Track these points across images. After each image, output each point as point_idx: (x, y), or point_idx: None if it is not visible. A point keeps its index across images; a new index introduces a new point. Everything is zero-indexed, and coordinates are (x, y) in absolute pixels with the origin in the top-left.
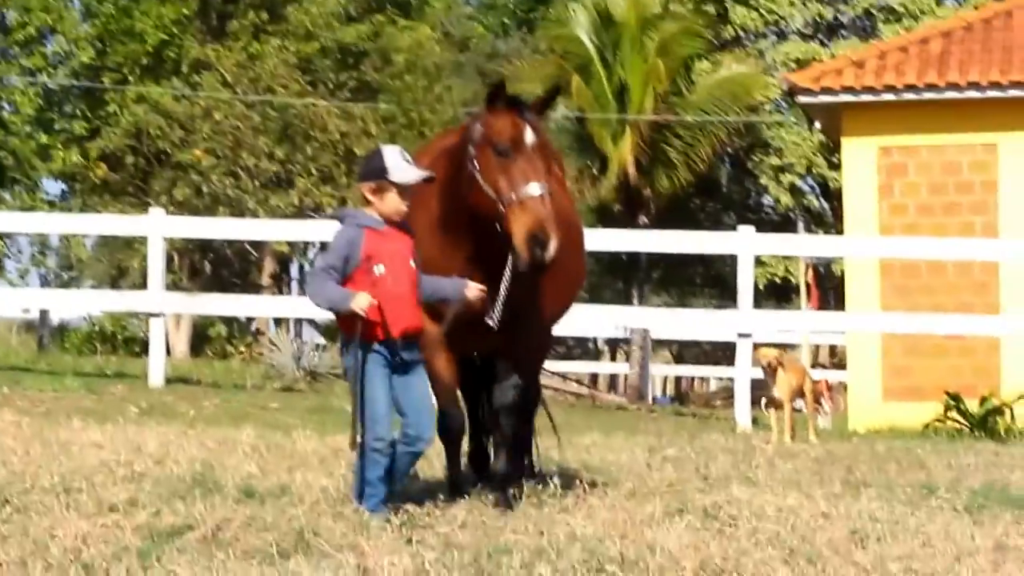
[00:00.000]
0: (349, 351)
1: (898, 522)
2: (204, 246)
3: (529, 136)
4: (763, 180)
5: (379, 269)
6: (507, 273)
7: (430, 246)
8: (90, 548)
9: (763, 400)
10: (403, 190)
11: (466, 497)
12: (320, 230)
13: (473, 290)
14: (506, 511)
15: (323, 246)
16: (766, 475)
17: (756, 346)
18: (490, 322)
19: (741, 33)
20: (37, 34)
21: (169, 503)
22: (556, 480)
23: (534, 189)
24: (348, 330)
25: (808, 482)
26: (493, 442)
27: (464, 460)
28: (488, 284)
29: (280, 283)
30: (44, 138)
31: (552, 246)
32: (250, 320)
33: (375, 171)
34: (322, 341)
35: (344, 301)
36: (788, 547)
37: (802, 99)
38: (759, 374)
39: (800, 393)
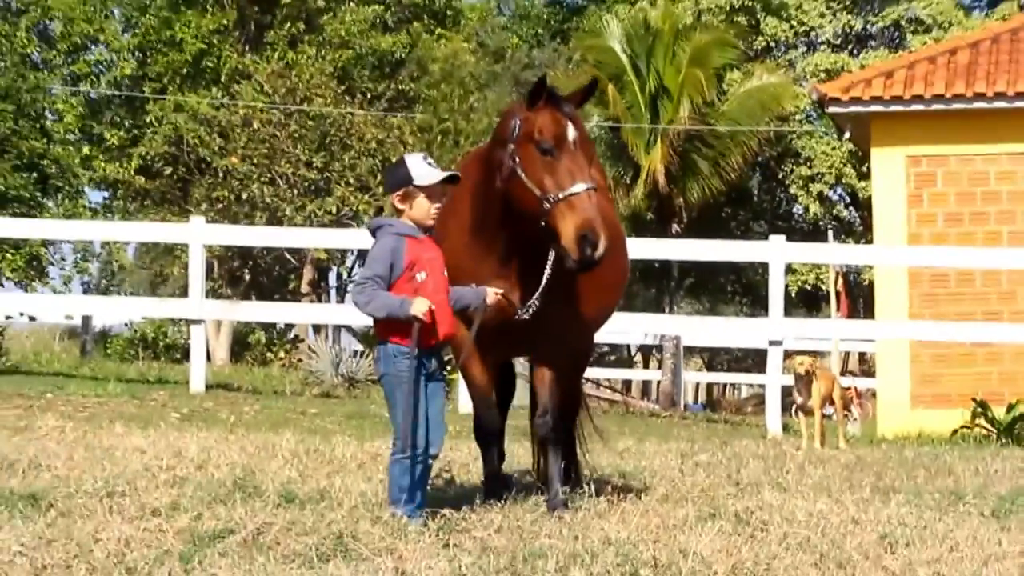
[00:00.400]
0: (390, 358)
1: (927, 527)
2: (244, 253)
3: (572, 132)
4: (793, 189)
5: (421, 276)
6: (548, 270)
7: (461, 250)
8: (133, 551)
9: (793, 407)
10: (431, 194)
11: (502, 500)
12: (357, 238)
13: (492, 296)
14: (562, 515)
15: (362, 255)
16: (796, 481)
17: (789, 354)
18: (525, 316)
19: (772, 44)
20: (80, 44)
21: (210, 507)
22: (591, 485)
23: (580, 187)
24: (391, 337)
25: (838, 488)
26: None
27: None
28: (520, 284)
29: (319, 291)
30: (87, 149)
31: (602, 245)
32: (289, 327)
33: (401, 179)
34: (360, 348)
35: (403, 307)
36: (819, 552)
37: (832, 109)
38: (790, 381)
39: (830, 400)
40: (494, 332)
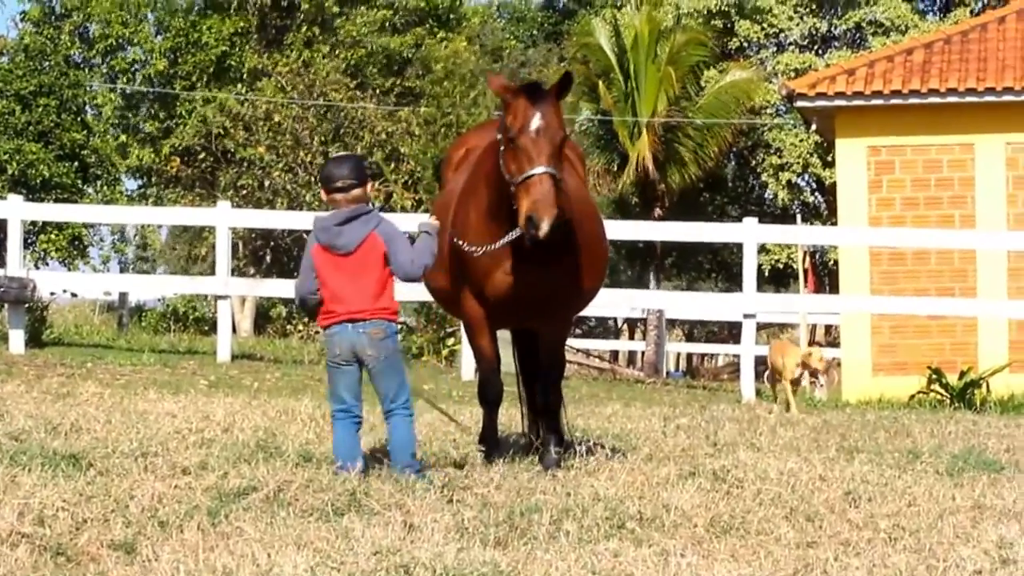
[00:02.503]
0: (394, 336)
1: (887, 484)
2: (266, 235)
3: (536, 121)
4: (764, 177)
5: None
6: (509, 235)
7: (483, 232)
8: (165, 507)
9: (766, 374)
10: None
11: (500, 460)
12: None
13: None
14: (555, 473)
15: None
16: (769, 441)
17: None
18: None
19: (745, 44)
20: (117, 45)
21: (235, 466)
22: (581, 446)
23: (537, 170)
24: (394, 316)
25: (806, 448)
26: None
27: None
28: (536, 258)
29: None
30: (123, 137)
31: (544, 225)
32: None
33: (373, 171)
34: None
35: (435, 230)
36: (789, 506)
37: (799, 104)
38: (762, 351)
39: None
40: (505, 305)
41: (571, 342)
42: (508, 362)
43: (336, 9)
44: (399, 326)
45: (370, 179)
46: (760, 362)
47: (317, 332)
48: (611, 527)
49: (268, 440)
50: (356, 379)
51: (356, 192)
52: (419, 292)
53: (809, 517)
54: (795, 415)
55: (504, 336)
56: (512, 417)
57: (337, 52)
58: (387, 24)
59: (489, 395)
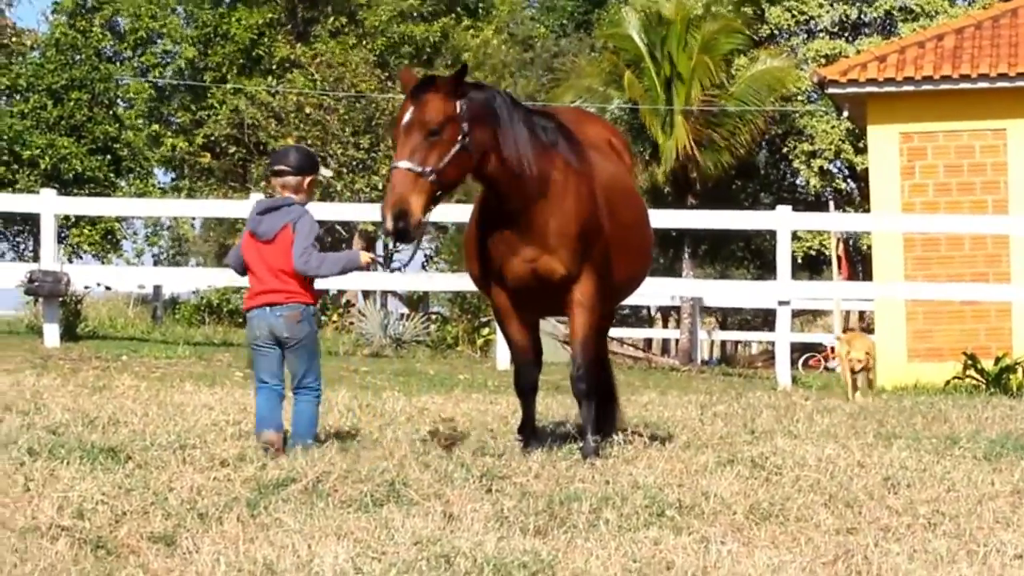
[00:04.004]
0: (311, 318)
1: (926, 470)
2: None
3: (405, 116)
4: (796, 164)
5: None
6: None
7: (473, 225)
8: (204, 499)
9: (801, 360)
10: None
11: (539, 450)
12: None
13: (365, 257)
14: (594, 461)
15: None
16: (806, 428)
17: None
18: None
19: (775, 31)
20: (147, 38)
21: (274, 458)
22: (619, 434)
23: (393, 164)
24: (311, 300)
25: (844, 434)
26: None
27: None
28: (533, 239)
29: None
30: (155, 127)
31: (385, 220)
32: (341, 293)
33: (315, 164)
34: (406, 311)
35: (354, 260)
36: (828, 493)
37: (831, 90)
38: (797, 338)
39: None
40: (529, 293)
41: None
42: (551, 352)
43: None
44: (313, 309)
45: (311, 173)
46: (794, 349)
47: (351, 323)
48: (651, 515)
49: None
50: (276, 360)
51: (289, 180)
52: (453, 282)
53: (848, 503)
54: (857, 403)
55: (547, 326)
56: (549, 407)
57: (364, 43)
58: (413, 13)
59: (522, 384)
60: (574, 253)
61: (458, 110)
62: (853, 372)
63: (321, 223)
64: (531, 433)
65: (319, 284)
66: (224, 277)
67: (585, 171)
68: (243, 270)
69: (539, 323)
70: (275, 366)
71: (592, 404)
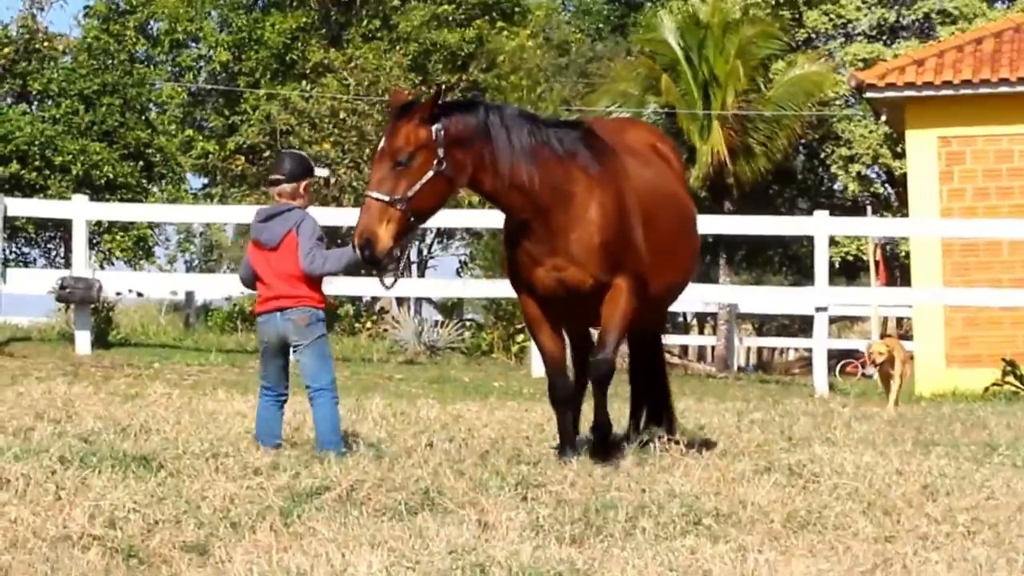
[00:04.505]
0: (321, 322)
1: (964, 477)
2: (332, 232)
3: (381, 144)
4: (834, 169)
5: None
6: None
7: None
8: (237, 507)
9: (838, 367)
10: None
11: (575, 459)
12: (436, 217)
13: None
14: (607, 465)
15: (440, 234)
16: (844, 436)
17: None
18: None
19: (813, 35)
20: (182, 42)
21: (307, 466)
22: (655, 442)
23: (365, 194)
24: (320, 304)
25: (882, 442)
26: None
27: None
28: (556, 247)
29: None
30: (188, 131)
31: (359, 246)
32: (375, 300)
33: (307, 169)
34: (440, 318)
35: (356, 255)
36: (866, 501)
37: (869, 95)
38: (835, 345)
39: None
40: (559, 302)
41: None
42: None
43: (396, 2)
44: (322, 312)
45: (306, 178)
46: (832, 356)
47: (385, 330)
48: (687, 523)
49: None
50: (282, 367)
51: (285, 187)
52: (488, 289)
53: (887, 511)
54: (887, 413)
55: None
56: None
57: (398, 47)
58: (446, 18)
59: (556, 395)
60: (601, 263)
61: (433, 136)
62: (875, 366)
63: (351, 229)
64: (567, 446)
65: (350, 290)
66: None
67: (611, 179)
68: (252, 283)
69: (589, 333)
70: (281, 372)
71: (605, 392)
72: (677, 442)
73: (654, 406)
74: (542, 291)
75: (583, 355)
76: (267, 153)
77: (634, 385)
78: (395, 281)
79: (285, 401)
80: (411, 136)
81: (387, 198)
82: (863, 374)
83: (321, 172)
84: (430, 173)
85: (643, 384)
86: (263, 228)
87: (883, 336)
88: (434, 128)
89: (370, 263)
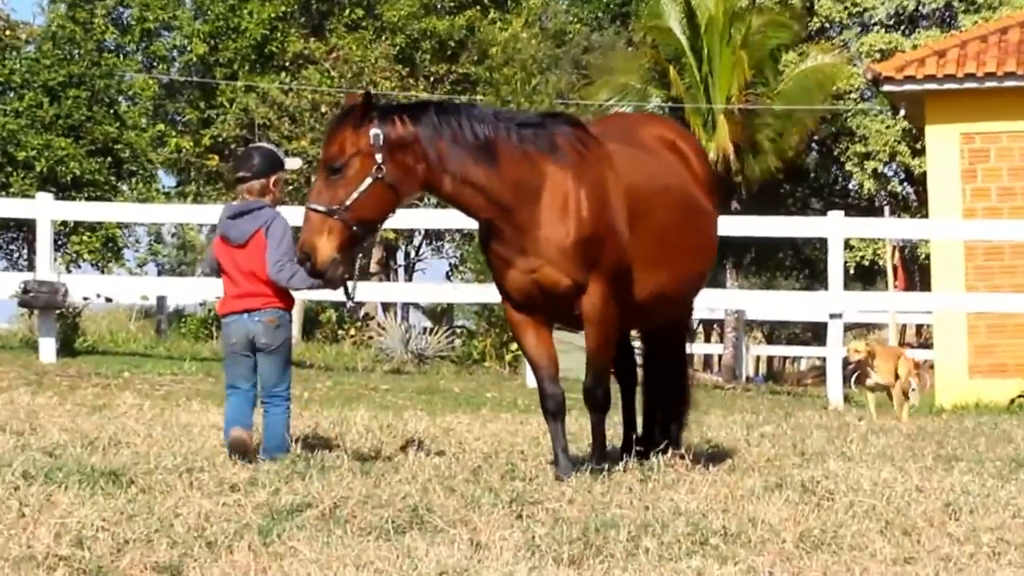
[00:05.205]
0: (288, 325)
1: (989, 495)
2: None
3: (322, 153)
4: (849, 166)
5: None
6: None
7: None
8: (213, 526)
9: (852, 378)
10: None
11: (572, 474)
12: (424, 218)
13: None
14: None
15: (428, 235)
16: (860, 450)
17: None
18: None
19: (826, 25)
20: (154, 31)
21: (287, 482)
22: (659, 456)
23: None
24: (286, 305)
25: (901, 457)
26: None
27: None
28: (525, 247)
29: (388, 269)
30: (160, 126)
31: (299, 259)
32: (359, 305)
33: (277, 163)
34: (428, 324)
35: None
36: (884, 519)
37: (886, 88)
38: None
39: (895, 375)
40: (536, 304)
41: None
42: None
43: None
44: (289, 315)
45: (275, 172)
46: (847, 365)
47: (370, 337)
48: (693, 543)
49: (322, 453)
50: (251, 367)
51: (254, 184)
52: (479, 294)
53: (906, 531)
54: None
55: (579, 340)
56: (584, 427)
57: (383, 37)
58: (435, 6)
59: (546, 405)
60: (575, 260)
61: (371, 141)
62: (849, 364)
63: None
64: (561, 460)
65: (332, 295)
66: None
67: (587, 172)
68: (218, 272)
69: (629, 346)
70: (249, 372)
71: (602, 417)
72: (682, 456)
73: (666, 414)
74: (519, 295)
75: (622, 359)
76: (242, 151)
77: (645, 390)
78: (354, 289)
79: (254, 399)
80: (345, 143)
81: (324, 209)
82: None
83: (292, 164)
84: (368, 180)
85: (657, 389)
86: (231, 225)
87: (901, 345)
88: (372, 133)
89: (314, 276)
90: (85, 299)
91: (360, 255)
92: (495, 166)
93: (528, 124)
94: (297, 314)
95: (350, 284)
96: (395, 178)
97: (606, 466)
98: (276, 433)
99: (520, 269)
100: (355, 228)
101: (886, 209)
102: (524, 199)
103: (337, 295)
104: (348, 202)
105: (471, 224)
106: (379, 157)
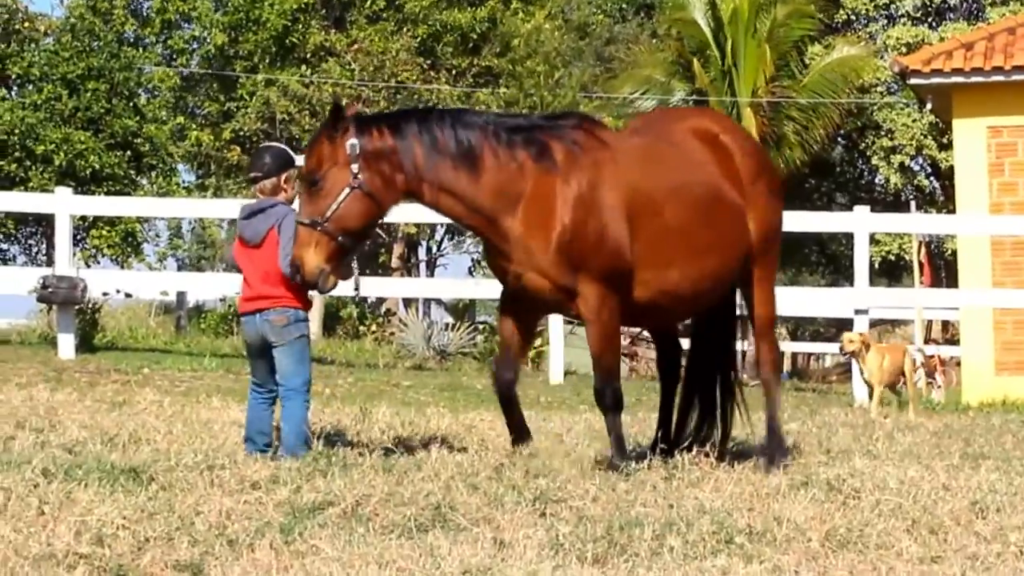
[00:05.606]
0: (303, 323)
1: (1017, 493)
2: None
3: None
4: (875, 161)
5: None
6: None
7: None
8: (234, 524)
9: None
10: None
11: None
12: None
13: None
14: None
15: (450, 230)
16: (886, 448)
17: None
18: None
19: (852, 17)
20: (174, 22)
21: (309, 479)
22: (683, 454)
23: None
24: (300, 304)
25: (928, 455)
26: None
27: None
28: (512, 243)
29: (409, 264)
30: (180, 119)
31: (289, 273)
32: (380, 301)
33: (288, 161)
34: (450, 320)
35: None
36: (911, 518)
37: (913, 81)
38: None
39: (901, 373)
40: (532, 301)
41: None
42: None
43: None
44: (303, 313)
45: (286, 171)
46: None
47: (392, 334)
48: (718, 542)
49: (344, 451)
50: (268, 365)
51: (265, 184)
52: (501, 289)
53: (933, 530)
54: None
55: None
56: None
57: (405, 29)
58: None
59: (495, 388)
60: (558, 268)
61: (347, 152)
62: (845, 355)
63: None
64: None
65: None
66: None
67: (579, 180)
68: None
69: (670, 332)
70: (267, 371)
71: (615, 416)
72: (707, 454)
73: (704, 409)
74: (512, 293)
75: (665, 356)
76: (263, 144)
77: (682, 387)
78: (359, 284)
79: (275, 399)
80: (321, 155)
81: (308, 221)
82: (905, 383)
83: (303, 161)
84: (346, 191)
85: (692, 387)
86: (246, 225)
87: (927, 341)
88: (348, 144)
89: (307, 288)
90: (104, 294)
91: (348, 264)
92: (476, 174)
93: (521, 128)
94: (318, 311)
95: (357, 280)
96: (374, 188)
97: (628, 464)
98: (290, 431)
99: (510, 273)
100: (340, 239)
101: (912, 204)
102: (506, 207)
103: (345, 288)
104: (328, 213)
105: None
106: (355, 167)
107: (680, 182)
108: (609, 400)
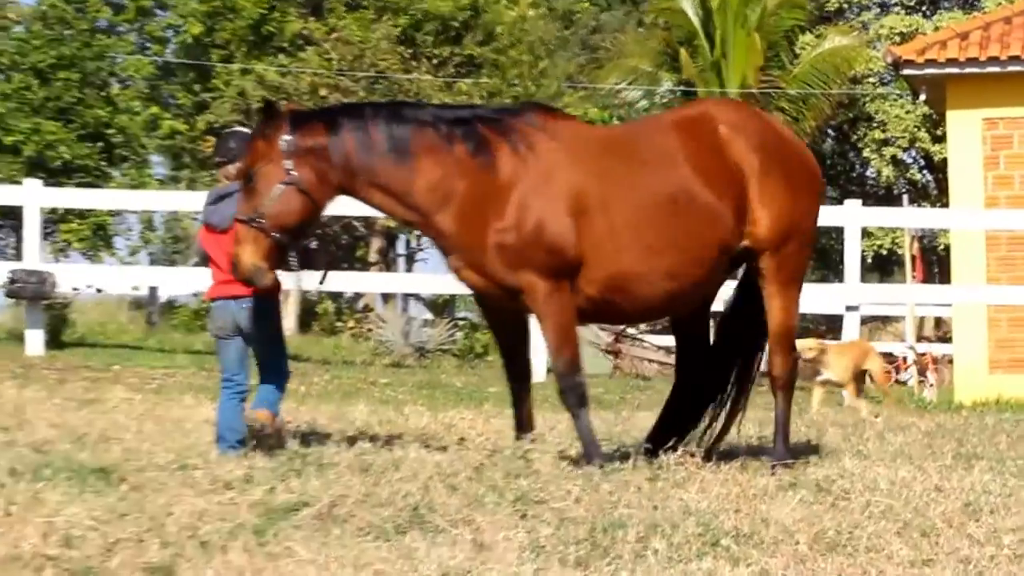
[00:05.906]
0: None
1: (1011, 494)
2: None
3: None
4: (866, 153)
5: None
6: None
7: None
8: (206, 525)
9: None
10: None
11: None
12: None
13: None
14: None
15: None
16: (877, 448)
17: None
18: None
19: (844, 6)
20: (148, 10)
21: (284, 480)
22: (667, 455)
23: None
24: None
25: (919, 455)
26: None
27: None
28: (456, 244)
29: (387, 259)
30: (154, 109)
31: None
32: (358, 296)
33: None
34: (430, 316)
35: None
36: (902, 520)
37: (906, 72)
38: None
39: (864, 370)
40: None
41: (650, 338)
42: (593, 363)
43: None
44: (277, 301)
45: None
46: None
47: (369, 330)
48: (704, 544)
49: (319, 450)
50: (240, 352)
51: (229, 169)
52: None
53: (924, 532)
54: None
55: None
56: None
57: (385, 17)
58: None
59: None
60: (494, 265)
61: (283, 147)
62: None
63: (338, 219)
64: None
65: (329, 286)
66: None
67: (518, 176)
68: (207, 261)
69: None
70: (239, 358)
71: (580, 415)
72: (692, 454)
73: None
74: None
75: (686, 352)
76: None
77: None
78: (324, 277)
79: (246, 393)
80: (256, 153)
81: (243, 217)
82: (897, 380)
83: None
84: (279, 187)
85: (682, 386)
86: (213, 211)
87: (919, 339)
88: (282, 140)
89: (244, 283)
90: (74, 289)
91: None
92: (409, 171)
93: (462, 122)
94: (293, 306)
95: (319, 273)
96: (308, 184)
97: (603, 464)
98: (266, 399)
99: (455, 270)
100: (276, 235)
101: (905, 197)
102: (440, 204)
103: (339, 281)
104: (262, 210)
105: None
106: (288, 164)
107: (637, 176)
108: (573, 397)
